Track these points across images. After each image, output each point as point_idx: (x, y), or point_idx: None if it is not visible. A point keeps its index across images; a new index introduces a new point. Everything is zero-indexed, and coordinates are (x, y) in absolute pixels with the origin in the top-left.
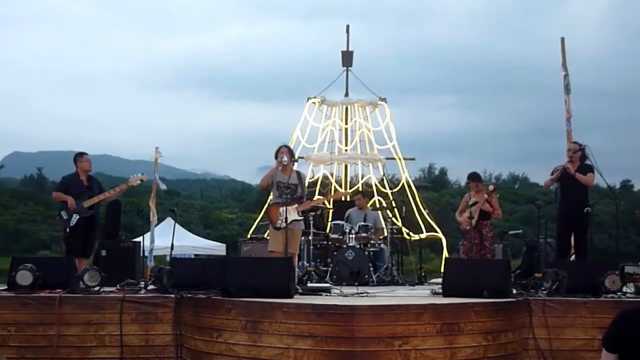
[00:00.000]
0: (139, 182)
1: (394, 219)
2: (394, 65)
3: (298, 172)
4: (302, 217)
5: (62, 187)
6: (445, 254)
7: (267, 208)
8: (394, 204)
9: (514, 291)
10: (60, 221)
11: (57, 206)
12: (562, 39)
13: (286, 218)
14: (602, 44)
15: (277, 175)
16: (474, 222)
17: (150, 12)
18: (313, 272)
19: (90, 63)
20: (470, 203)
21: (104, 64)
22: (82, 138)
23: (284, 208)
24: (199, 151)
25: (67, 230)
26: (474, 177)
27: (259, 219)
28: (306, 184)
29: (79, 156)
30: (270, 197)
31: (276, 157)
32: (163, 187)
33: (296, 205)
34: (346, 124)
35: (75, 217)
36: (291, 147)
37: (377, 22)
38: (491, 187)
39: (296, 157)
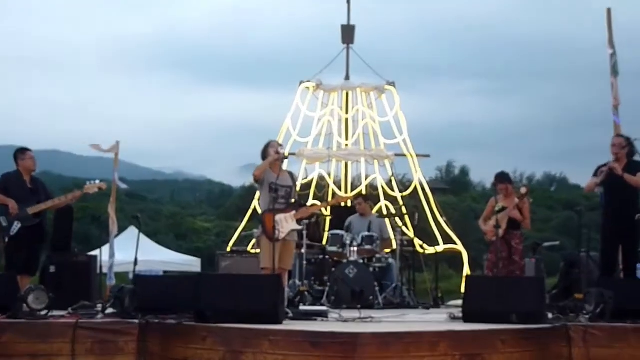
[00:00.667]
0: (96, 190)
1: (404, 228)
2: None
3: (290, 173)
4: (301, 227)
5: (2, 187)
6: (466, 270)
7: (261, 216)
8: (404, 210)
9: (550, 316)
10: None
11: None
12: (608, 10)
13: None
14: None
15: (267, 174)
16: (501, 232)
17: None
18: (307, 293)
19: (39, 39)
20: (497, 209)
21: (56, 40)
22: (26, 129)
23: (282, 216)
24: (169, 146)
25: (6, 240)
26: (502, 177)
27: (240, 228)
28: (298, 187)
29: (21, 153)
30: (255, 202)
31: (264, 155)
32: (123, 186)
33: (294, 212)
34: (347, 113)
35: (17, 226)
36: (280, 141)
37: None
38: (523, 190)
39: (286, 154)
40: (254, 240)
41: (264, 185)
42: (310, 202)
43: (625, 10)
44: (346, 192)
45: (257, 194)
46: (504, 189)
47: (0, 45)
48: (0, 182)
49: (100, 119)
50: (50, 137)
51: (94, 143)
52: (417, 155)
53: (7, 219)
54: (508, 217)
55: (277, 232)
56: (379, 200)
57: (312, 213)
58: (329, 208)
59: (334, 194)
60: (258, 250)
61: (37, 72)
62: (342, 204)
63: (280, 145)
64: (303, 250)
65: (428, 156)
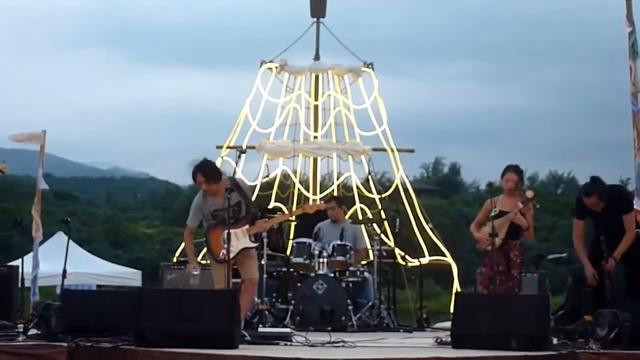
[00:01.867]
0: None
1: (383, 236)
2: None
3: (234, 183)
4: (256, 243)
5: None
6: (456, 286)
7: (205, 232)
8: (383, 215)
9: (555, 341)
10: None
11: None
12: None
13: (228, 249)
14: None
15: (206, 203)
16: (498, 241)
17: None
18: (267, 312)
19: None
20: (493, 213)
21: None
22: None
23: (232, 232)
24: (105, 137)
25: None
26: (518, 170)
27: None
28: (256, 190)
29: None
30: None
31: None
32: (44, 186)
33: (246, 226)
34: (316, 99)
35: None
36: (237, 132)
37: None
38: (530, 194)
39: (244, 147)
40: (205, 249)
41: (206, 216)
42: (272, 204)
43: None
44: (315, 192)
45: None
46: (512, 183)
47: None
48: None
49: (19, 105)
50: None
51: (15, 134)
52: (399, 150)
53: None
54: (509, 223)
55: (222, 252)
56: (354, 204)
57: (270, 226)
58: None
59: (300, 202)
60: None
61: None
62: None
63: (200, 171)
64: (263, 262)
65: (412, 151)
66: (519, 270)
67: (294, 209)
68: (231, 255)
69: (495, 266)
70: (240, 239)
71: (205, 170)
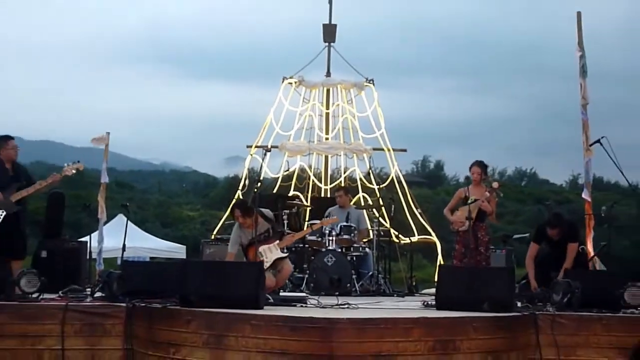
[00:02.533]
0: (74, 171)
1: (381, 219)
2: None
3: (261, 214)
4: (286, 254)
5: None
6: (440, 260)
7: (244, 250)
8: (381, 202)
9: (519, 304)
10: None
11: None
12: (579, 14)
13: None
14: (627, 19)
15: (244, 234)
16: (471, 222)
17: None
18: (287, 281)
19: (27, 31)
20: (470, 201)
21: (45, 32)
22: (18, 120)
23: (265, 247)
24: (156, 138)
25: None
26: (482, 164)
27: (224, 217)
28: (277, 183)
29: (3, 141)
30: (239, 192)
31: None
32: (105, 180)
33: (277, 241)
34: (327, 108)
35: (2, 214)
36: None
37: None
38: (496, 185)
39: (269, 146)
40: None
41: (242, 245)
42: (291, 192)
43: (595, 13)
44: (326, 183)
45: (241, 184)
46: (479, 177)
47: None
48: None
49: (89, 110)
50: (42, 127)
51: (95, 137)
52: (394, 150)
53: None
54: (478, 208)
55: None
56: (357, 192)
57: (298, 238)
58: (309, 199)
59: (314, 191)
60: None
61: (26, 64)
62: (322, 195)
63: (239, 208)
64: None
65: (405, 150)
66: (485, 247)
67: (309, 196)
68: (266, 266)
69: (467, 244)
70: (272, 251)
71: (242, 207)
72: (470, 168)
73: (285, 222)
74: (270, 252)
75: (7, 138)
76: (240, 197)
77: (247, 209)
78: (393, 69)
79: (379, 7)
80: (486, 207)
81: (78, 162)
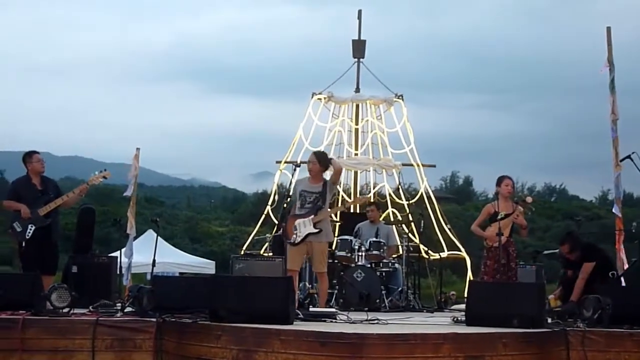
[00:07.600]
0: (101, 180)
1: (410, 234)
2: (413, 58)
3: (325, 181)
4: (318, 230)
5: (14, 194)
6: (469, 276)
7: (286, 221)
8: (410, 218)
9: (549, 320)
10: (13, 234)
11: (9, 216)
12: (608, 29)
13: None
14: None
15: (302, 184)
16: (504, 238)
17: None
18: (316, 295)
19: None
20: (501, 216)
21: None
22: (49, 136)
23: (301, 220)
24: (185, 153)
25: (23, 244)
26: (506, 177)
27: (254, 232)
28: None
29: (28, 156)
30: (268, 208)
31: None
32: (128, 192)
33: (312, 216)
34: (356, 124)
35: (31, 228)
36: (292, 150)
37: (393, 8)
38: (530, 199)
39: (299, 162)
40: (266, 244)
41: (296, 193)
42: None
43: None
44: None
45: (270, 200)
46: (511, 188)
47: (19, 54)
48: (11, 189)
49: (119, 126)
50: (71, 144)
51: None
52: (423, 165)
53: (21, 224)
54: (512, 223)
55: (294, 236)
56: (387, 208)
57: (331, 214)
58: (339, 214)
59: (355, 196)
60: (271, 254)
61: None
62: (352, 209)
63: (316, 156)
64: None
65: (434, 166)
66: (515, 263)
67: (338, 212)
68: (298, 240)
69: (499, 259)
70: (306, 226)
71: (319, 154)
72: (500, 182)
73: None
74: (304, 227)
75: (32, 152)
76: (270, 212)
77: (326, 160)
78: (422, 85)
79: (403, 23)
80: (521, 222)
81: (105, 170)
